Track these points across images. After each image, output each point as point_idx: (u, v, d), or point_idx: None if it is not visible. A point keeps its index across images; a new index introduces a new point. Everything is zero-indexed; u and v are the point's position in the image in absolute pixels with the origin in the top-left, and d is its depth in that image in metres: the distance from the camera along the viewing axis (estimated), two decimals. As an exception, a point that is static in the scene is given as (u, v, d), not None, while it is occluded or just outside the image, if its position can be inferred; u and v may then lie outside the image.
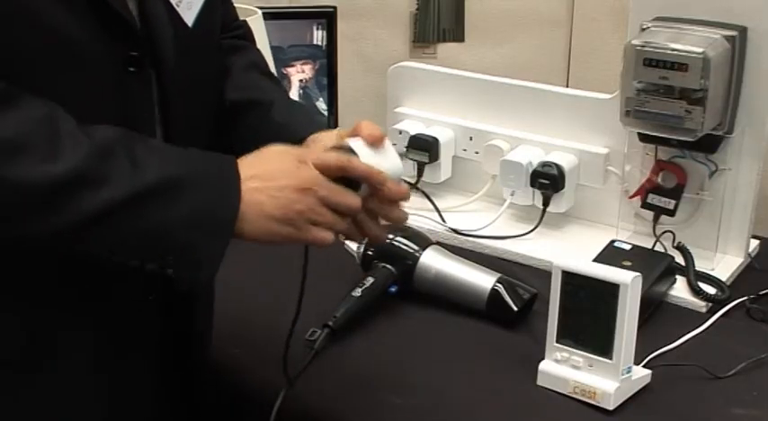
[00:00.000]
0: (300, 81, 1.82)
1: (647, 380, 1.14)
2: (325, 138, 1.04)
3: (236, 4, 1.53)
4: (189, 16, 0.98)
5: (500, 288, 1.26)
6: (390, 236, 1.34)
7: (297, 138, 1.04)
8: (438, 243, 1.36)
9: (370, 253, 1.33)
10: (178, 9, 0.97)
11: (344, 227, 0.97)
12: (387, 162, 0.97)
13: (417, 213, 1.55)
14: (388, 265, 1.30)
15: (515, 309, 1.25)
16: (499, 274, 1.29)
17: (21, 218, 0.83)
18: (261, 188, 0.90)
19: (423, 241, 1.33)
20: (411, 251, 1.31)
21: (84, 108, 0.87)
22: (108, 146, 0.85)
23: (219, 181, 0.89)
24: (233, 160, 0.91)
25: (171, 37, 0.96)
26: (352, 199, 0.94)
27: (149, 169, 0.85)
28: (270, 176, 0.91)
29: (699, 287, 1.32)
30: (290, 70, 1.81)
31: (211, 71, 1.08)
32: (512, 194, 1.51)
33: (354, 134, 0.98)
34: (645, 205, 1.41)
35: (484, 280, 1.28)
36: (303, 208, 0.92)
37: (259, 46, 1.51)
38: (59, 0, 0.85)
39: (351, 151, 0.96)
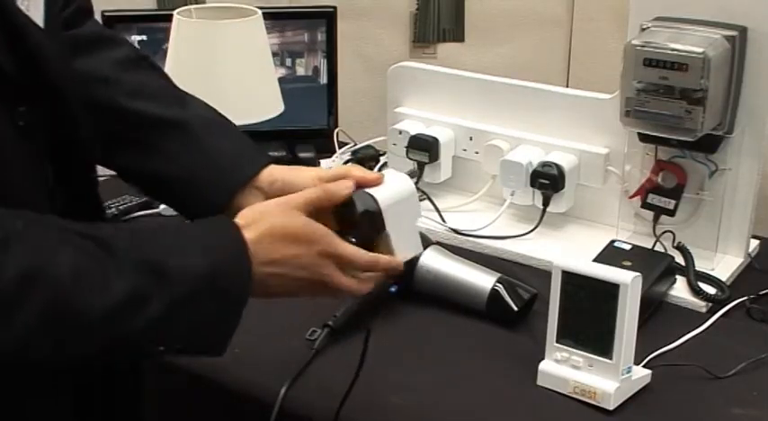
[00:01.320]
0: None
1: (647, 380, 1.14)
2: (302, 181, 0.99)
3: (235, 5, 1.53)
4: (38, 17, 0.91)
5: (500, 288, 1.26)
6: None
7: (244, 176, 1.02)
8: (438, 243, 1.36)
9: None
10: (28, 13, 0.89)
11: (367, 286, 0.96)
12: (401, 187, 0.95)
13: (417, 213, 1.55)
14: None
15: (515, 309, 1.25)
16: (499, 274, 1.29)
17: (75, 344, 0.80)
18: (279, 275, 0.89)
19: (423, 241, 1.33)
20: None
21: None
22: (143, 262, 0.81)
23: (232, 275, 0.86)
24: (243, 246, 0.87)
25: (55, 58, 0.90)
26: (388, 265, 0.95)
27: (181, 281, 0.82)
28: (288, 266, 0.89)
29: (699, 287, 1.32)
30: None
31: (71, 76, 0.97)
32: (512, 194, 1.51)
33: (337, 179, 0.94)
34: (645, 205, 1.41)
35: (484, 280, 1.28)
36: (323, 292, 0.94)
37: (259, 47, 1.52)
38: None
39: (371, 198, 0.92)
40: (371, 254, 0.93)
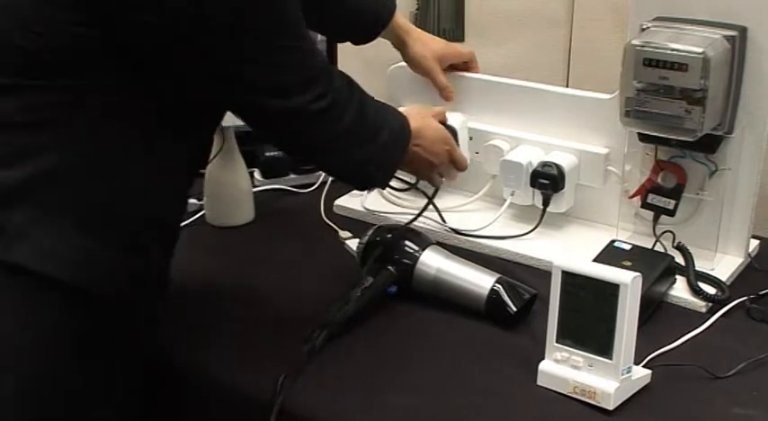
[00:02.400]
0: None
1: (647, 380, 1.14)
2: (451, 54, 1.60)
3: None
4: None
5: (499, 288, 1.26)
6: (390, 236, 1.34)
7: (380, 23, 1.51)
8: (438, 243, 1.36)
9: (369, 253, 1.33)
10: None
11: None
12: (461, 121, 1.53)
13: (414, 212, 1.55)
14: (387, 265, 1.30)
15: (515, 309, 1.25)
16: (499, 275, 1.29)
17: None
18: (419, 147, 1.33)
19: (422, 241, 1.33)
20: (411, 251, 1.31)
21: None
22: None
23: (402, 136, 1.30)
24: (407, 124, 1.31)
25: None
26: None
27: (388, 122, 1.27)
28: (430, 150, 1.35)
29: (699, 287, 1.32)
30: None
31: None
32: (512, 194, 1.51)
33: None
34: (645, 205, 1.41)
35: (483, 280, 1.28)
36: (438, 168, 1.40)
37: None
38: None
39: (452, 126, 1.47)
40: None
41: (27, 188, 0.99)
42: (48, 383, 1.01)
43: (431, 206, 1.55)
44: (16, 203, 0.98)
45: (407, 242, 1.32)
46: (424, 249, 1.31)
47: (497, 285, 1.27)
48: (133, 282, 1.08)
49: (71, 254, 1.01)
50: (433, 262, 1.30)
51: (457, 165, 1.42)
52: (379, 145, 1.24)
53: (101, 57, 0.99)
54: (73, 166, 1.00)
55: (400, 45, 1.57)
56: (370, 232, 1.35)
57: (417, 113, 1.35)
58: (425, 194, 1.56)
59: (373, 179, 1.31)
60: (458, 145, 1.45)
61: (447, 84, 1.56)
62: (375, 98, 1.26)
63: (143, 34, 0.99)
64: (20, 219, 0.98)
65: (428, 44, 1.56)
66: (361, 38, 1.55)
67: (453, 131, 1.49)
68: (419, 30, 1.58)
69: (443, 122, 1.43)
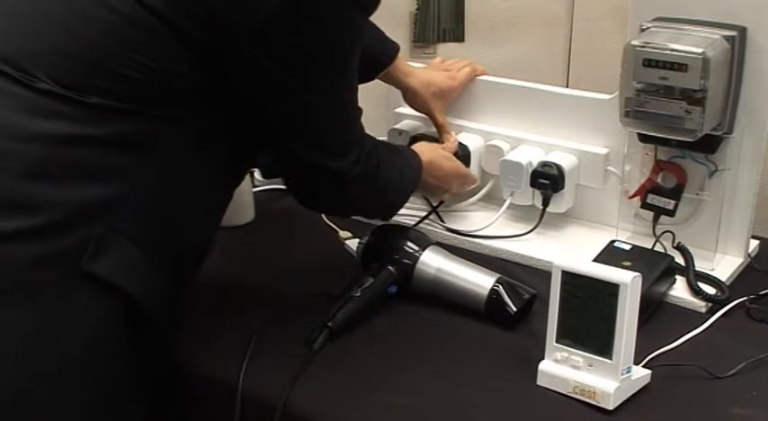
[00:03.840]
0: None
1: (647, 380, 1.14)
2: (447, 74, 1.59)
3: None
4: None
5: (499, 289, 1.26)
6: (390, 236, 1.34)
7: (383, 66, 1.52)
8: (438, 243, 1.36)
9: (369, 253, 1.33)
10: None
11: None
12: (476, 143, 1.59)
13: (417, 213, 1.55)
14: (387, 265, 1.30)
15: (514, 309, 1.25)
16: (498, 275, 1.29)
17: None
18: (434, 179, 1.44)
19: (422, 241, 1.33)
20: (411, 251, 1.31)
21: None
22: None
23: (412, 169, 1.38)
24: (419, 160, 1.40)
25: None
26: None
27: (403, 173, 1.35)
28: (441, 177, 1.45)
29: (699, 287, 1.32)
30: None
31: None
32: (512, 194, 1.51)
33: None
34: (645, 205, 1.41)
35: (483, 280, 1.28)
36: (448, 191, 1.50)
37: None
38: None
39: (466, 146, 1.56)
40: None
41: (110, 204, 1.04)
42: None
43: (430, 206, 1.55)
44: (100, 216, 1.03)
45: (407, 242, 1.32)
46: (424, 249, 1.31)
47: (497, 285, 1.27)
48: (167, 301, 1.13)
49: (135, 270, 1.06)
50: (433, 262, 1.30)
51: (467, 186, 1.53)
52: (392, 195, 1.33)
53: (213, 97, 1.08)
54: (150, 190, 1.06)
55: (401, 88, 1.57)
56: (369, 232, 1.35)
57: (428, 148, 1.45)
58: (428, 202, 1.56)
59: (382, 216, 1.40)
60: (469, 165, 1.53)
61: (444, 124, 1.56)
62: (386, 142, 1.38)
63: (254, 80, 1.08)
64: (100, 231, 1.03)
65: (428, 85, 1.56)
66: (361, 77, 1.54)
67: (467, 152, 1.53)
68: (419, 70, 1.57)
69: (456, 153, 1.52)
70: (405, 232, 1.35)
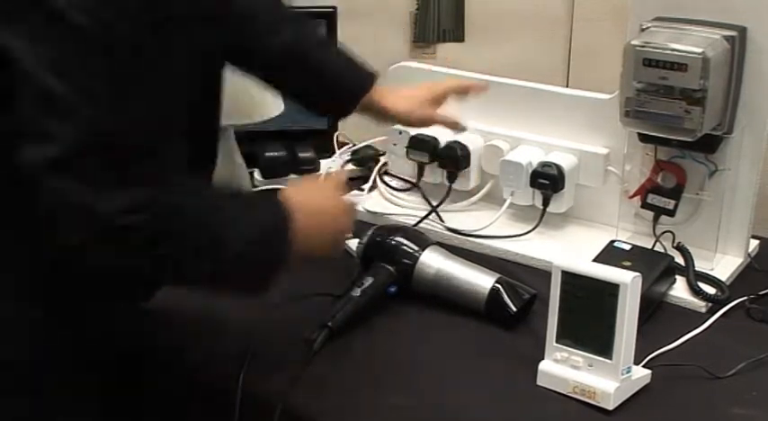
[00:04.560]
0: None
1: (647, 380, 1.14)
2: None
3: (236, 5, 1.53)
4: None
5: (499, 289, 1.26)
6: (390, 236, 1.34)
7: (356, 98, 1.37)
8: (438, 243, 1.36)
9: (369, 253, 1.33)
10: None
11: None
12: None
13: (417, 213, 1.55)
14: (387, 265, 1.30)
15: (514, 309, 1.25)
16: (498, 275, 1.29)
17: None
18: (312, 233, 1.12)
19: (422, 241, 1.33)
20: (411, 251, 1.31)
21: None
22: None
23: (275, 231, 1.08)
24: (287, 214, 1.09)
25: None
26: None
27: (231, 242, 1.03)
28: (320, 224, 1.14)
29: (698, 287, 1.32)
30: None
31: None
32: (512, 194, 1.51)
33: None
34: (645, 205, 1.41)
35: (483, 280, 1.28)
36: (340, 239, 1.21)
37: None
38: None
39: None
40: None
41: None
42: None
43: (430, 206, 1.55)
44: None
45: (407, 242, 1.32)
46: (424, 249, 1.31)
47: (497, 285, 1.27)
48: None
49: None
50: (433, 262, 1.30)
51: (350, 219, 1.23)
52: (195, 267, 1.02)
53: None
54: None
55: (381, 111, 1.41)
56: (369, 232, 1.35)
57: (295, 191, 1.15)
58: (428, 200, 1.56)
59: (254, 287, 1.10)
60: (468, 165, 1.50)
61: (451, 119, 1.44)
62: (241, 192, 1.18)
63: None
64: None
65: (409, 98, 1.41)
66: (340, 111, 1.43)
67: (467, 152, 1.51)
68: (395, 91, 1.43)
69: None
70: (405, 232, 1.35)
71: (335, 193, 1.20)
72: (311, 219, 1.11)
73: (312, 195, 1.16)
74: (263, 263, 1.07)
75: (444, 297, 1.30)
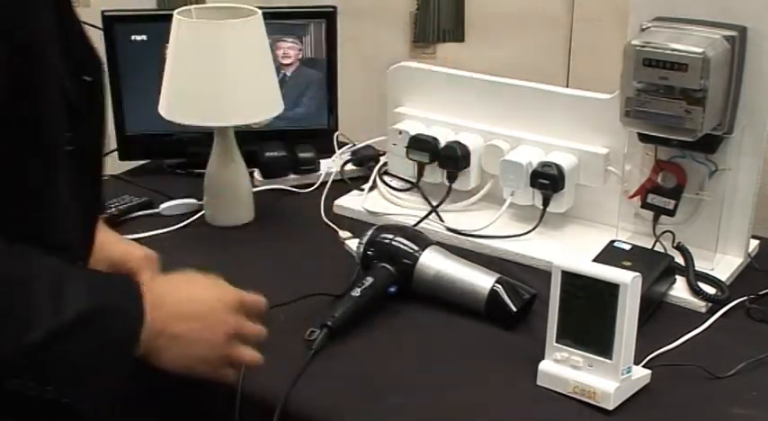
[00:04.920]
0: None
1: (647, 380, 1.14)
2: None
3: (235, 5, 1.53)
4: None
5: (499, 289, 1.26)
6: (390, 236, 1.34)
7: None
8: (438, 243, 1.36)
9: (369, 253, 1.33)
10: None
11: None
12: None
13: (417, 213, 1.55)
14: (387, 265, 1.30)
15: (514, 309, 1.25)
16: (498, 275, 1.29)
17: None
18: (182, 335, 0.96)
19: (422, 241, 1.33)
20: (411, 251, 1.31)
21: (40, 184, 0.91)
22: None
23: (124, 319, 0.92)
24: (139, 299, 0.92)
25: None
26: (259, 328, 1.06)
27: (68, 307, 0.86)
28: (193, 325, 0.98)
29: (698, 287, 1.32)
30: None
31: None
32: (512, 194, 1.51)
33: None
34: (645, 205, 1.41)
35: (483, 280, 1.28)
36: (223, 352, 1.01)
37: (259, 47, 1.52)
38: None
39: None
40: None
41: None
42: None
43: (430, 206, 1.55)
44: None
45: (407, 242, 1.32)
46: (424, 249, 1.31)
47: (497, 285, 1.27)
48: None
49: None
50: (433, 262, 1.30)
51: (248, 338, 1.05)
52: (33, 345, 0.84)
53: None
54: None
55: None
56: (370, 232, 1.35)
57: (164, 281, 1.01)
58: (428, 200, 1.56)
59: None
60: (468, 165, 1.44)
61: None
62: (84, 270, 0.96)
63: None
64: None
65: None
66: None
67: (467, 152, 1.50)
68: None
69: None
70: (405, 232, 1.35)
71: (218, 289, 1.02)
72: (176, 321, 0.95)
73: (181, 290, 1.00)
74: (99, 344, 0.89)
75: (444, 297, 1.30)
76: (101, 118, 1.00)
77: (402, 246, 1.32)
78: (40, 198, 0.91)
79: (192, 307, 0.98)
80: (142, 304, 0.92)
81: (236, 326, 1.01)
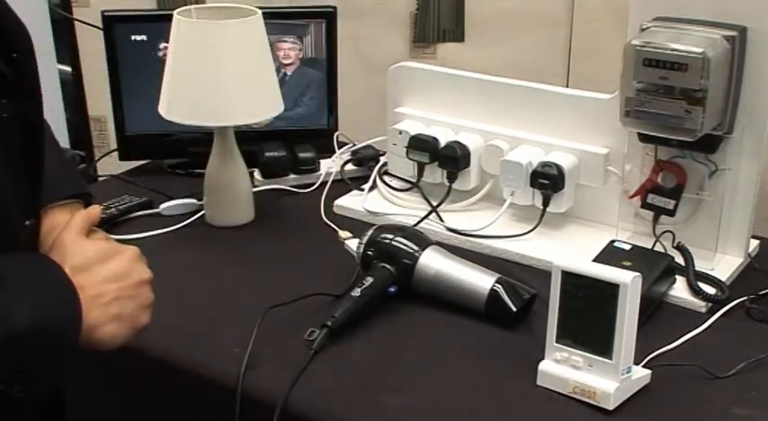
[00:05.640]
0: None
1: (647, 380, 1.14)
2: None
3: (235, 5, 1.53)
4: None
5: (499, 289, 1.26)
6: (390, 236, 1.34)
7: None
8: (438, 243, 1.36)
9: (369, 253, 1.33)
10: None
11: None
12: None
13: (417, 213, 1.55)
14: (387, 265, 1.30)
15: (514, 309, 1.25)
16: (498, 275, 1.29)
17: None
18: (103, 293, 0.96)
19: (422, 241, 1.33)
20: (411, 251, 1.31)
21: None
22: None
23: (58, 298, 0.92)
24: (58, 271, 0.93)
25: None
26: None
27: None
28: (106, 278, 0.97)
29: (698, 287, 1.32)
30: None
31: None
32: (512, 194, 1.51)
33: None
34: (645, 205, 1.41)
35: (483, 280, 1.28)
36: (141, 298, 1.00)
37: (259, 47, 1.52)
38: None
39: None
40: None
41: None
42: None
43: (430, 206, 1.55)
44: None
45: (407, 242, 1.32)
46: (424, 249, 1.31)
47: (497, 285, 1.27)
48: None
49: None
50: (433, 262, 1.30)
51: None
52: None
53: None
54: None
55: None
56: (370, 232, 1.35)
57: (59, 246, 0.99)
58: (428, 200, 1.56)
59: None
60: (468, 165, 1.45)
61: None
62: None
63: None
64: None
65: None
66: None
67: (467, 152, 1.49)
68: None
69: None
70: (405, 232, 1.35)
71: (115, 246, 1.02)
72: (99, 286, 0.96)
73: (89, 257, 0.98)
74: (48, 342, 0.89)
75: (444, 297, 1.30)
76: (35, 87, 1.01)
77: (402, 246, 1.32)
78: None
79: (112, 267, 0.99)
80: (74, 290, 0.92)
81: (148, 272, 1.03)
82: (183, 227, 1.58)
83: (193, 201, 1.63)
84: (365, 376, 1.17)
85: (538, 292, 1.28)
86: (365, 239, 1.35)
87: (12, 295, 0.88)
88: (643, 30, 1.32)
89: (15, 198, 0.97)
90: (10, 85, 0.96)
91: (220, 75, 1.47)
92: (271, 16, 1.56)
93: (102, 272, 0.97)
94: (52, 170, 1.07)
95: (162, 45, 1.70)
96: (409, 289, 1.31)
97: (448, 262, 1.31)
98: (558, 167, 1.46)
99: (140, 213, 1.62)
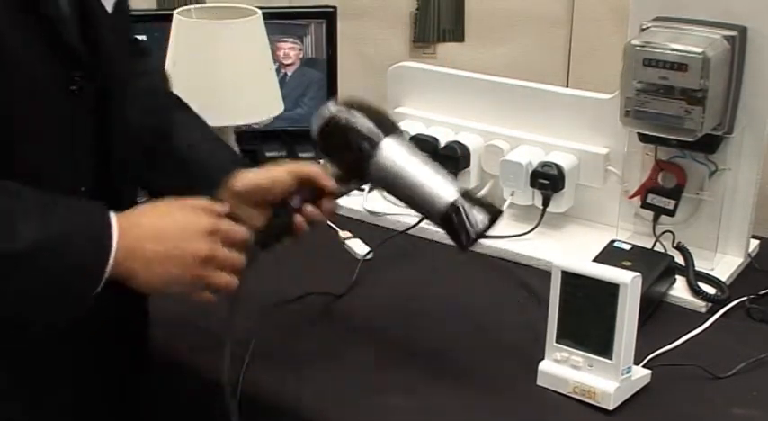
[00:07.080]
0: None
1: (647, 380, 1.14)
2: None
3: (235, 5, 1.53)
4: (108, 4, 1.03)
5: (461, 208, 1.08)
6: (351, 114, 1.16)
7: (219, 180, 1.12)
8: (437, 243, 1.35)
9: (325, 135, 1.18)
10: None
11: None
12: None
13: (417, 213, 1.54)
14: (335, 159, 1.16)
15: (473, 235, 1.09)
16: (466, 188, 1.11)
17: None
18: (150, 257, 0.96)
19: (387, 126, 1.13)
20: (371, 136, 1.12)
21: (30, 124, 0.96)
22: None
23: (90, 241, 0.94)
24: (106, 218, 0.95)
25: (117, 58, 1.05)
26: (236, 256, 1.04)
27: (27, 232, 0.89)
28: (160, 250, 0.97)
29: (698, 287, 1.32)
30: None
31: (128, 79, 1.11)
32: (512, 194, 1.51)
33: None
34: (645, 205, 1.41)
35: (446, 191, 1.09)
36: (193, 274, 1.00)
37: (259, 47, 1.52)
38: (16, 28, 0.92)
39: None
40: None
41: None
42: None
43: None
44: None
45: (370, 124, 1.13)
46: (387, 136, 1.11)
47: (461, 200, 1.09)
48: None
49: None
50: (396, 157, 1.11)
51: (223, 263, 1.02)
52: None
53: None
54: None
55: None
56: (330, 106, 1.18)
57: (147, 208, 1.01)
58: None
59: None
60: (468, 165, 1.41)
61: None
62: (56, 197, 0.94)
63: None
64: None
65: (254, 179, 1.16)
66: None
67: (467, 152, 1.48)
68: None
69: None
70: (369, 112, 1.15)
71: (194, 215, 1.01)
72: (148, 241, 0.96)
73: (156, 213, 1.00)
74: (64, 269, 0.91)
75: (400, 197, 1.14)
76: (107, 60, 1.03)
77: (362, 130, 1.13)
78: (36, 139, 0.96)
79: (164, 228, 0.98)
80: (110, 229, 0.94)
81: (207, 250, 0.99)
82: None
83: (193, 201, 1.62)
84: (365, 376, 1.17)
85: (503, 211, 1.13)
86: (323, 118, 1.19)
87: (34, 216, 0.90)
88: (643, 30, 1.32)
89: (72, 165, 1.01)
90: (83, 61, 0.98)
91: (220, 75, 1.47)
92: (271, 16, 1.56)
93: (151, 231, 0.97)
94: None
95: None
96: (365, 180, 1.16)
97: (412, 159, 1.11)
98: (558, 167, 1.46)
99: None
